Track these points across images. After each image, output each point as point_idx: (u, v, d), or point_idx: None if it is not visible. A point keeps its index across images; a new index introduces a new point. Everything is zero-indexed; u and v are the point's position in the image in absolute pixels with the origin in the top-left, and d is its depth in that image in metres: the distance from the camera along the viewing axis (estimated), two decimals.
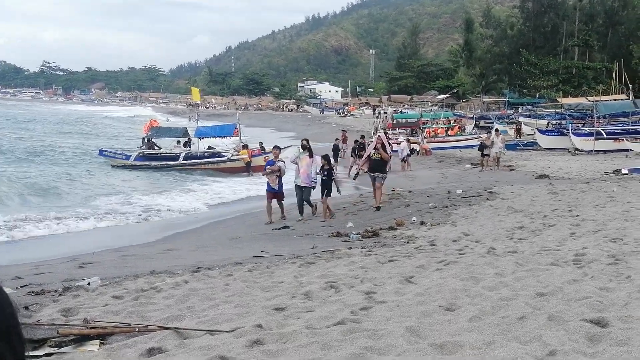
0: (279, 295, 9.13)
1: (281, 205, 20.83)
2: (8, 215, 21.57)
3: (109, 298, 9.24)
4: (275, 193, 20.65)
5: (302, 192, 20.84)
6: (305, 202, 20.99)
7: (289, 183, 21.95)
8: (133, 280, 10.85)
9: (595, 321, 6.85)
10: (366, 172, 22.53)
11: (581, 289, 8.37)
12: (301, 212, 20.85)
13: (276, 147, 22.50)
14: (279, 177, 20.64)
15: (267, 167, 21.22)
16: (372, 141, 41.28)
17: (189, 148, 43.51)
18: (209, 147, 43.92)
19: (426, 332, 6.90)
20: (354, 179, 25.14)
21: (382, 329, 7.05)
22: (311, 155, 21.13)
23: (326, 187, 20.52)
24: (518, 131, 59.57)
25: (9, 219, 20.88)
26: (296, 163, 21.12)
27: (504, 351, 6.06)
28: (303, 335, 6.94)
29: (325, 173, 20.80)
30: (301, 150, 21.49)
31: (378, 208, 21.07)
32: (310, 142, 22.24)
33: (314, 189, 20.84)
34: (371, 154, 21.76)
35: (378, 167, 21.45)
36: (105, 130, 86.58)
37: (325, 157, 21.47)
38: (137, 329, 7.45)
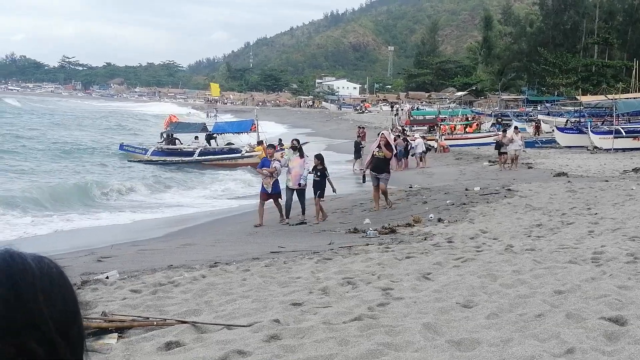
0: (296, 291, 9.14)
1: (279, 207, 19.71)
2: (29, 213, 21.75)
3: (127, 292, 9.29)
4: (270, 195, 19.59)
5: (293, 195, 19.76)
6: (300, 204, 19.90)
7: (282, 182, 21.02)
8: (151, 274, 10.90)
9: (614, 319, 6.83)
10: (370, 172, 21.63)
11: (599, 287, 8.34)
12: (287, 214, 19.67)
13: (271, 145, 21.97)
14: (276, 178, 19.71)
15: (262, 167, 19.93)
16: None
17: (211, 143, 43.57)
18: (229, 143, 43.95)
19: (443, 329, 6.90)
20: (363, 181, 23.50)
21: (399, 325, 7.05)
22: (302, 156, 20.12)
23: (319, 188, 19.53)
24: (537, 129, 59.27)
25: (33, 215, 21.15)
26: (287, 165, 19.95)
27: (521, 348, 6.04)
28: (320, 330, 6.95)
29: (318, 173, 19.75)
30: (291, 151, 20.48)
31: (389, 206, 20.71)
32: (305, 142, 21.89)
33: (301, 187, 19.68)
34: (375, 153, 21.12)
35: (381, 166, 20.86)
36: (147, 128, 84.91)
37: (319, 157, 20.40)
38: (155, 323, 7.49)
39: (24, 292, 1.18)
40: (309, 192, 19.84)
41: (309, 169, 19.76)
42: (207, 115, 49.65)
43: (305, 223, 18.97)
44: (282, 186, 19.96)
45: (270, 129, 61.91)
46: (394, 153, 22.06)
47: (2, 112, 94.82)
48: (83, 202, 24.77)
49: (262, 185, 19.71)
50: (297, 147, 20.30)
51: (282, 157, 21.27)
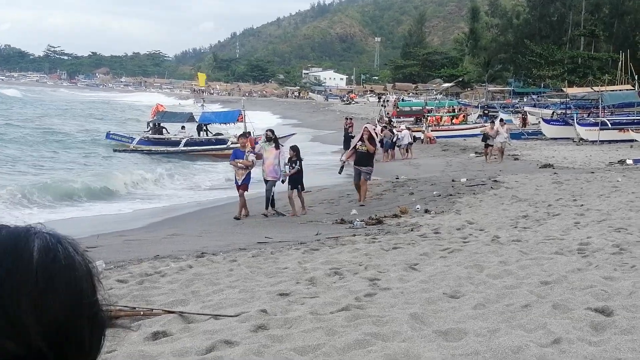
0: (283, 281, 9.15)
1: (243, 198, 18.65)
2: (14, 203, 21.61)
3: (114, 282, 9.26)
4: (239, 185, 18.74)
5: (271, 185, 18.92)
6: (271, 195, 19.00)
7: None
8: (137, 264, 10.88)
9: (600, 310, 6.86)
10: (351, 164, 21.20)
11: (586, 278, 8.38)
12: (267, 205, 18.76)
13: (243, 134, 21.26)
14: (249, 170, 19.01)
15: (235, 158, 19.09)
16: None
17: (202, 134, 43.50)
18: (217, 134, 43.90)
19: (430, 319, 6.92)
20: (339, 172, 22.58)
21: (386, 315, 7.06)
22: (277, 147, 19.32)
23: (297, 180, 18.96)
24: (524, 120, 59.36)
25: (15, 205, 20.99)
26: (261, 156, 19.32)
27: (508, 339, 6.07)
28: (307, 320, 6.96)
29: (294, 165, 19.06)
30: (266, 141, 19.59)
31: (362, 205, 19.71)
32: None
33: (283, 182, 19.04)
34: (357, 146, 20.71)
35: (364, 160, 20.34)
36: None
37: (294, 148, 19.76)
38: (142, 313, 7.47)
39: (5, 291, 1.03)
40: (283, 186, 19.30)
41: (285, 161, 19.07)
42: (200, 105, 49.35)
43: (285, 215, 18.84)
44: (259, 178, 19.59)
45: (266, 120, 61.78)
46: (377, 146, 21.64)
47: (9, 103, 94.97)
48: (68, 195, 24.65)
49: (235, 178, 19.06)
50: (271, 138, 19.58)
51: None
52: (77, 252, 1.13)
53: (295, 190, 18.97)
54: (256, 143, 39.73)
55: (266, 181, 18.94)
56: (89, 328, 1.10)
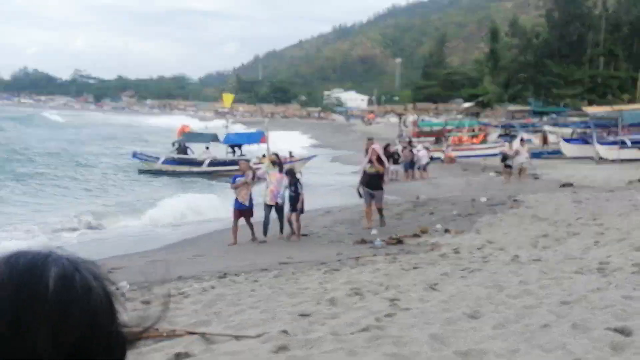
0: (304, 302, 9.21)
1: (250, 225, 18.17)
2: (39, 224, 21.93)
3: (138, 303, 9.37)
4: (244, 210, 18.20)
5: (271, 212, 18.45)
6: (279, 222, 18.64)
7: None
8: (160, 285, 10.98)
9: (620, 330, 6.87)
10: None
11: (605, 297, 8.38)
12: (265, 233, 18.24)
13: (243, 160, 20.94)
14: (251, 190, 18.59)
15: (237, 179, 18.57)
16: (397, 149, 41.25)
17: (237, 153, 43.76)
18: (241, 154, 44.16)
19: (450, 340, 6.95)
20: (360, 197, 20.57)
21: (406, 335, 7.11)
22: (281, 171, 18.82)
23: (294, 203, 18.47)
24: (545, 140, 59.16)
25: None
26: (265, 179, 18.95)
27: (527, 359, 6.10)
28: (328, 341, 7.01)
29: (293, 187, 18.57)
30: (270, 165, 19.10)
31: (383, 224, 19.35)
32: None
33: (278, 205, 18.53)
34: (366, 169, 20.02)
35: (375, 182, 19.72)
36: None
37: (289, 172, 19.07)
38: (164, 334, 7.56)
39: (23, 319, 1.05)
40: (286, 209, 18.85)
41: (286, 186, 18.59)
42: (225, 126, 49.81)
43: (307, 235, 18.82)
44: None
45: (296, 140, 61.68)
46: (386, 165, 21.22)
47: (56, 129, 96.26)
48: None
49: (236, 200, 18.32)
50: (276, 162, 19.13)
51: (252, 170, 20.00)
52: (96, 277, 1.14)
53: (294, 213, 18.46)
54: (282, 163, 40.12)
55: (267, 206, 18.45)
56: (107, 355, 1.11)
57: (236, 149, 44.87)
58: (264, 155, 40.94)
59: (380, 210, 19.90)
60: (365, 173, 20.09)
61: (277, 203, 18.43)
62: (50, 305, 1.06)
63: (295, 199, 18.42)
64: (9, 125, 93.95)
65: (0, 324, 1.04)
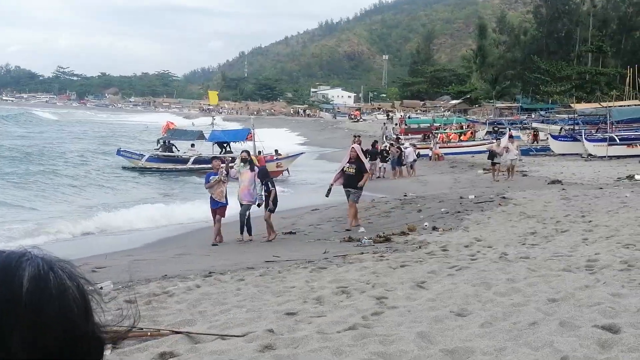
0: (291, 300, 9.15)
1: (219, 224, 17.86)
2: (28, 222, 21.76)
3: (121, 302, 9.27)
4: (220, 208, 17.89)
5: (246, 210, 18.03)
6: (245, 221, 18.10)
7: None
8: (145, 284, 10.90)
9: (607, 327, 6.83)
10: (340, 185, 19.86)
11: (593, 295, 8.35)
12: (242, 230, 17.97)
13: (216, 157, 20.36)
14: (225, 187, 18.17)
15: (208, 181, 18.19)
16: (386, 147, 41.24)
17: (225, 151, 43.62)
18: (227, 152, 44.08)
19: (437, 338, 6.90)
20: (327, 195, 20.25)
21: (393, 334, 7.05)
22: (252, 169, 18.41)
23: (267, 202, 18.01)
24: (535, 137, 59.27)
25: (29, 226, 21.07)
26: (237, 178, 18.45)
27: (515, 357, 6.05)
28: (314, 340, 6.95)
29: (265, 188, 18.08)
30: (242, 164, 18.69)
31: (349, 229, 18.70)
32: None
33: (258, 206, 18.14)
34: (345, 168, 19.61)
35: (352, 182, 19.34)
36: None
37: (262, 170, 18.75)
38: (149, 333, 7.48)
39: None
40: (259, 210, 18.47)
41: (260, 184, 18.13)
42: (211, 124, 49.81)
43: (295, 233, 18.71)
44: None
45: (284, 137, 61.34)
46: (367, 166, 20.71)
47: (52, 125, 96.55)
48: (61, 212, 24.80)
49: (212, 199, 18.00)
50: (247, 160, 18.83)
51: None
52: (71, 277, 1.09)
53: (267, 212, 17.97)
54: (266, 162, 40.14)
55: (242, 205, 18.06)
56: (82, 355, 1.06)
57: (225, 146, 44.73)
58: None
59: (353, 212, 19.47)
60: (343, 172, 19.67)
61: (256, 204, 18.06)
62: (25, 305, 1.02)
63: (267, 198, 17.97)
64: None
65: None
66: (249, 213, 18.02)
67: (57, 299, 1.05)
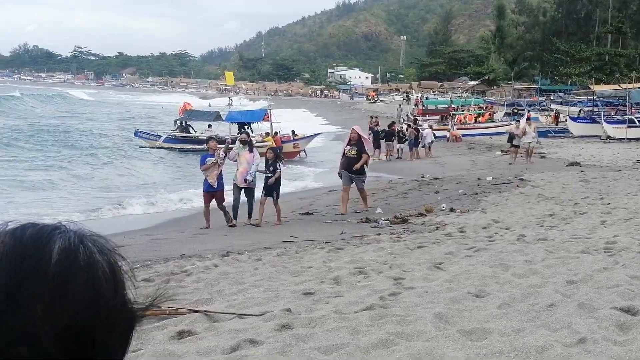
0: (308, 280, 9.16)
1: (223, 209, 17.24)
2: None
3: (140, 281, 9.31)
4: (214, 192, 17.14)
5: (240, 194, 17.41)
6: (247, 205, 17.34)
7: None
8: (163, 263, 10.95)
9: (626, 309, 6.81)
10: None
11: (612, 277, 8.32)
12: (235, 215, 17.18)
13: (212, 138, 19.50)
14: (221, 170, 17.39)
15: (207, 159, 17.39)
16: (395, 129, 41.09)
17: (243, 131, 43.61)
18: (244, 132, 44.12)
19: (455, 319, 6.90)
20: (340, 177, 19.16)
21: (410, 314, 7.06)
22: (251, 150, 17.67)
23: (273, 187, 17.16)
24: (556, 118, 58.84)
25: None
26: (235, 160, 17.70)
27: (533, 338, 6.04)
28: (332, 320, 6.97)
29: (271, 168, 17.32)
30: (241, 145, 17.97)
31: (342, 213, 18.10)
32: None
33: (250, 183, 17.35)
34: (346, 151, 18.74)
35: (354, 165, 18.43)
36: None
37: (274, 150, 18.21)
38: (167, 312, 7.52)
39: (22, 292, 1.00)
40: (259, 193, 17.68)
41: (257, 164, 17.47)
42: (228, 104, 50.01)
43: (312, 214, 18.60)
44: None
45: (303, 118, 61.15)
46: (369, 147, 19.66)
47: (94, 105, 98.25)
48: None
49: (206, 182, 17.22)
50: (246, 141, 18.19)
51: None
52: (102, 252, 1.09)
53: (269, 198, 17.20)
54: (283, 142, 40.17)
55: (237, 188, 17.47)
56: (109, 332, 1.06)
57: (245, 127, 44.72)
58: (267, 134, 41.12)
59: (363, 196, 18.94)
60: (344, 155, 18.82)
61: (246, 181, 17.27)
62: (52, 277, 1.02)
63: (273, 182, 17.18)
64: (38, 104, 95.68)
65: None
66: (254, 196, 17.50)
67: (85, 272, 1.05)
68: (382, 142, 39.19)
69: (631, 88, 50.87)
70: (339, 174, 19.18)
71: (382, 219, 16.04)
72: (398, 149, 39.30)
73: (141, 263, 10.87)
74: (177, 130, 44.79)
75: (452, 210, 17.18)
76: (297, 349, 6.12)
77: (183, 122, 45.26)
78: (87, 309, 1.03)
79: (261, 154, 18.16)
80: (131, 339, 1.12)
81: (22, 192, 24.66)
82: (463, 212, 16.62)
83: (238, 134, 42.45)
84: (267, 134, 41.38)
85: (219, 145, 18.43)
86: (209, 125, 44.40)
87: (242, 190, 17.43)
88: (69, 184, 27.93)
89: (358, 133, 18.87)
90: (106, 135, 53.11)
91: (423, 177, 26.26)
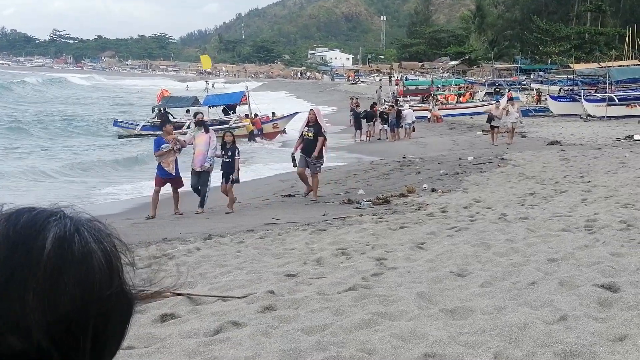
0: (291, 262, 9.17)
1: (176, 197, 16.23)
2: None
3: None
4: (171, 179, 16.14)
5: (199, 178, 16.36)
6: (200, 191, 16.44)
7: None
8: (145, 247, 10.92)
9: (607, 286, 6.86)
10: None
11: (592, 254, 8.37)
12: (202, 203, 16.34)
13: (166, 120, 17.26)
14: (177, 155, 16.36)
15: (159, 148, 16.17)
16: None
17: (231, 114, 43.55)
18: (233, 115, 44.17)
19: (437, 298, 6.93)
20: (293, 166, 18.49)
21: (393, 294, 7.08)
22: (207, 131, 16.67)
23: (231, 171, 16.31)
24: (539, 97, 58.97)
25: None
26: (192, 144, 16.68)
27: (515, 316, 6.07)
28: (314, 301, 6.98)
29: (229, 152, 16.39)
30: (196, 127, 17.10)
31: (315, 198, 17.49)
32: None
33: (208, 168, 16.39)
34: (304, 132, 17.97)
35: (311, 148, 17.65)
36: None
37: (232, 133, 17.27)
38: (149, 295, 7.49)
39: (13, 282, 0.98)
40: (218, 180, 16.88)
41: (215, 147, 16.42)
42: (205, 89, 49.85)
43: (294, 196, 18.53)
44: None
45: (281, 100, 60.96)
46: (324, 132, 18.23)
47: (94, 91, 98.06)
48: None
49: (160, 167, 16.13)
50: (202, 122, 17.31)
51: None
52: (98, 240, 1.06)
53: (229, 184, 16.38)
54: (263, 123, 40.13)
55: (195, 172, 16.43)
56: (104, 322, 1.04)
57: (230, 110, 44.60)
58: (246, 116, 41.16)
59: (315, 183, 17.94)
60: (302, 136, 18.10)
61: (201, 167, 16.28)
62: (44, 268, 0.99)
63: (230, 167, 16.34)
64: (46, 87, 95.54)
65: None
66: (210, 184, 16.46)
67: (78, 263, 1.02)
68: (364, 122, 39.19)
69: (611, 66, 51.09)
70: (292, 155, 18.44)
71: (364, 200, 16.06)
72: (381, 130, 39.32)
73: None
74: (155, 117, 44.59)
75: (433, 190, 17.22)
76: (280, 331, 6.12)
77: (161, 108, 45.16)
78: (80, 300, 1.01)
79: (235, 136, 17.51)
80: (129, 325, 1.10)
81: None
82: (445, 192, 16.67)
83: (221, 117, 42.67)
84: (247, 115, 41.42)
85: (175, 132, 17.23)
86: (187, 111, 44.30)
87: (199, 175, 16.41)
88: None
89: (316, 115, 18.13)
90: None
91: (404, 157, 26.29)
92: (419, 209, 14.04)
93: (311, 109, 18.70)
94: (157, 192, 15.98)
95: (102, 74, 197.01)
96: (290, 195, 18.63)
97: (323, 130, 18.06)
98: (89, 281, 1.02)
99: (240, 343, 5.84)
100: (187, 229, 13.23)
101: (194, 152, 16.54)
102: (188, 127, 17.35)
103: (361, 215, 13.70)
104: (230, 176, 16.23)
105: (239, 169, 16.52)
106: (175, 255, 10.02)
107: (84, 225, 1.06)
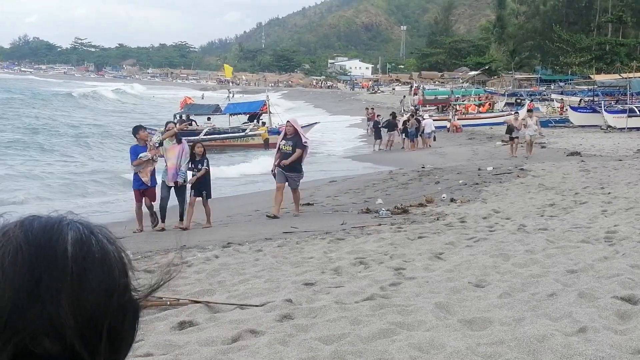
0: (309, 271, 9.17)
1: (150, 209, 15.38)
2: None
3: (141, 272, 9.32)
4: (147, 189, 15.26)
5: (170, 193, 15.43)
6: (179, 206, 15.63)
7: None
8: (164, 254, 10.96)
9: (626, 298, 6.81)
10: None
11: (612, 266, 8.32)
12: (162, 218, 15.22)
13: (139, 127, 16.13)
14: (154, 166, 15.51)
15: (137, 157, 15.18)
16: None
17: (254, 122, 43.84)
18: (244, 124, 44.56)
19: (455, 308, 6.91)
20: (274, 176, 17.03)
21: (411, 304, 7.06)
22: (180, 142, 15.67)
23: (202, 186, 15.49)
24: (562, 108, 58.66)
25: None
26: (162, 155, 15.58)
27: (533, 327, 6.05)
28: (332, 310, 6.98)
29: (199, 165, 15.52)
30: (169, 140, 15.77)
31: (275, 216, 16.09)
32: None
33: (182, 183, 15.45)
34: (281, 146, 16.88)
35: (290, 162, 16.57)
36: None
37: (202, 145, 16.19)
38: (168, 303, 7.53)
39: (44, 289, 1.00)
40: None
41: (187, 159, 15.50)
42: (226, 97, 50.32)
43: (312, 204, 18.51)
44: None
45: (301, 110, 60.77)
46: (304, 144, 17.02)
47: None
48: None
49: (137, 179, 15.31)
50: (174, 133, 15.92)
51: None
52: (110, 241, 1.11)
53: (199, 198, 15.49)
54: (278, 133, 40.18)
55: (167, 187, 15.48)
56: (121, 321, 1.08)
57: (255, 118, 44.92)
58: (264, 124, 41.36)
59: (296, 199, 16.98)
60: (279, 150, 16.94)
61: (176, 183, 15.41)
62: (71, 271, 1.03)
63: (202, 182, 15.49)
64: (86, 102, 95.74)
65: (19, 292, 1.00)
66: (186, 197, 15.55)
67: (100, 263, 1.07)
68: (384, 131, 39.14)
69: (632, 77, 50.78)
70: (272, 171, 17.20)
71: (383, 209, 16.03)
72: (403, 140, 39.19)
73: (141, 254, 10.89)
74: (178, 124, 44.90)
75: (452, 200, 17.18)
76: (298, 339, 6.13)
77: (183, 115, 45.49)
78: (105, 299, 1.05)
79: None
80: (138, 326, 1.13)
81: None
82: (463, 202, 16.62)
83: (243, 124, 42.93)
84: (264, 123, 41.68)
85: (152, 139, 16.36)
86: (208, 118, 44.64)
87: (172, 189, 15.52)
88: None
89: (294, 126, 17.05)
90: None
91: (423, 167, 26.24)
92: (437, 219, 14.00)
93: (288, 121, 17.65)
94: (139, 207, 15.38)
95: (145, 83, 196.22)
96: (308, 204, 18.63)
97: (303, 142, 16.95)
98: (110, 281, 1.07)
99: (257, 351, 5.85)
100: (206, 236, 13.27)
101: (166, 165, 15.57)
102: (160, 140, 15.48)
103: (380, 224, 13.67)
104: (204, 192, 15.43)
105: (209, 180, 15.82)
106: (193, 263, 10.05)
107: (94, 228, 1.11)
